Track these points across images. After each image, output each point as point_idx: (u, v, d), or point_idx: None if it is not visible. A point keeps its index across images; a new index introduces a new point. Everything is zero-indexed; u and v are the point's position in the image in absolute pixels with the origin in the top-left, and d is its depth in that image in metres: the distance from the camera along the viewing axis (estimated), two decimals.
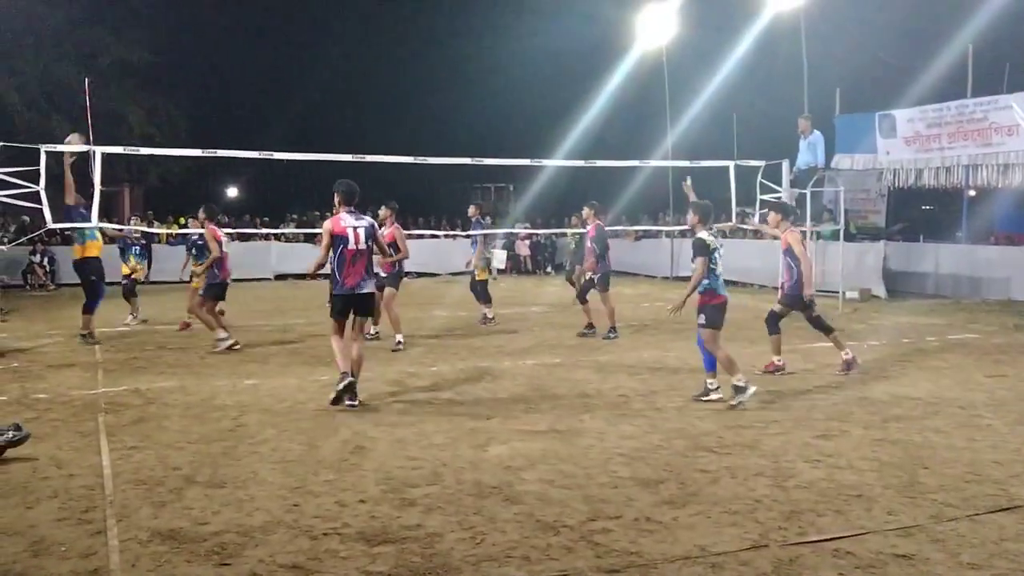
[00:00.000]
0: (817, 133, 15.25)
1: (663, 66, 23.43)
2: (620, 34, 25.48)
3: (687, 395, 8.27)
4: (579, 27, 30.42)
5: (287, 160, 13.68)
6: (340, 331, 8.12)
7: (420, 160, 14.07)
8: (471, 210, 14.96)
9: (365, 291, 8.09)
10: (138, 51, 28.50)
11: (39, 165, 11.12)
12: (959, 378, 9.06)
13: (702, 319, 7.99)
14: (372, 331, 11.86)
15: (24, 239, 21.10)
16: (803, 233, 9.76)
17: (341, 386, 7.86)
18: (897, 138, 17.71)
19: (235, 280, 14.75)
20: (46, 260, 22.64)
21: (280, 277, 24.75)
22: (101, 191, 12.00)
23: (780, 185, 15.09)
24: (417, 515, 5.05)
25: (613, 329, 12.33)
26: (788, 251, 9.60)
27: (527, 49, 30.95)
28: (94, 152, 11.72)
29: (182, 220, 25.06)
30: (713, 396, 8.01)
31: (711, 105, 24.32)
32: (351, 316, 8.12)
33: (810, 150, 15.17)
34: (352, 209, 8.13)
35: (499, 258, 25.98)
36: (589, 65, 29.32)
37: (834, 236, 16.26)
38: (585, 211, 13.14)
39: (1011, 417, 7.34)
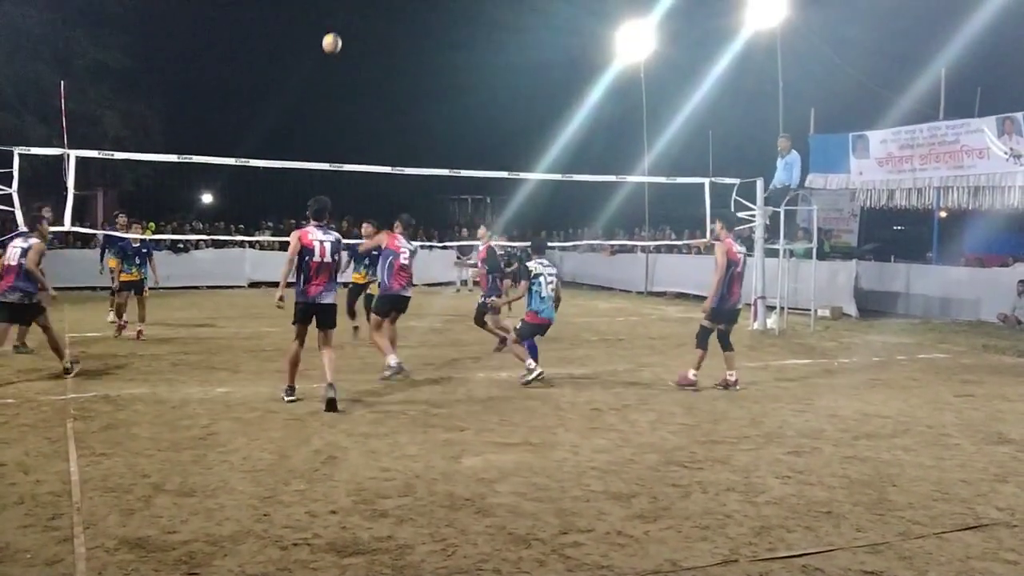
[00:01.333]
0: (795, 153, 15.41)
1: (641, 82, 23.59)
2: (599, 50, 25.63)
3: (660, 410, 8.31)
4: (558, 42, 30.57)
5: (263, 168, 13.60)
6: (300, 338, 8.48)
7: (397, 170, 14.06)
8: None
9: (326, 301, 8.45)
10: (114, 54, 28.28)
11: (12, 168, 11.01)
12: (928, 397, 9.16)
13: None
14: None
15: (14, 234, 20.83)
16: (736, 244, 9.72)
17: (287, 399, 8.43)
18: (870, 159, 17.94)
19: (209, 287, 14.69)
20: None
21: (254, 285, 24.60)
22: (75, 195, 11.89)
23: (754, 203, 15.21)
24: (388, 526, 5.04)
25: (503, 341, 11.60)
26: (715, 261, 9.67)
27: (506, 64, 31.04)
28: (68, 155, 11.62)
29: (153, 226, 24.88)
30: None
31: (688, 122, 24.50)
32: (316, 327, 8.49)
33: (786, 169, 15.31)
34: (321, 224, 8.54)
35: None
36: (568, 81, 29.49)
37: (807, 255, 16.41)
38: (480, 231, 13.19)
39: (978, 437, 7.43)
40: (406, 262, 9.94)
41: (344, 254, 9.87)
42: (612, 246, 25.12)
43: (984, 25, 19.21)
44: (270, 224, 28.35)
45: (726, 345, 9.67)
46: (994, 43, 19.98)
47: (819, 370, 10.96)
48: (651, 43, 23.04)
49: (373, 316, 10.32)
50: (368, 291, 12.92)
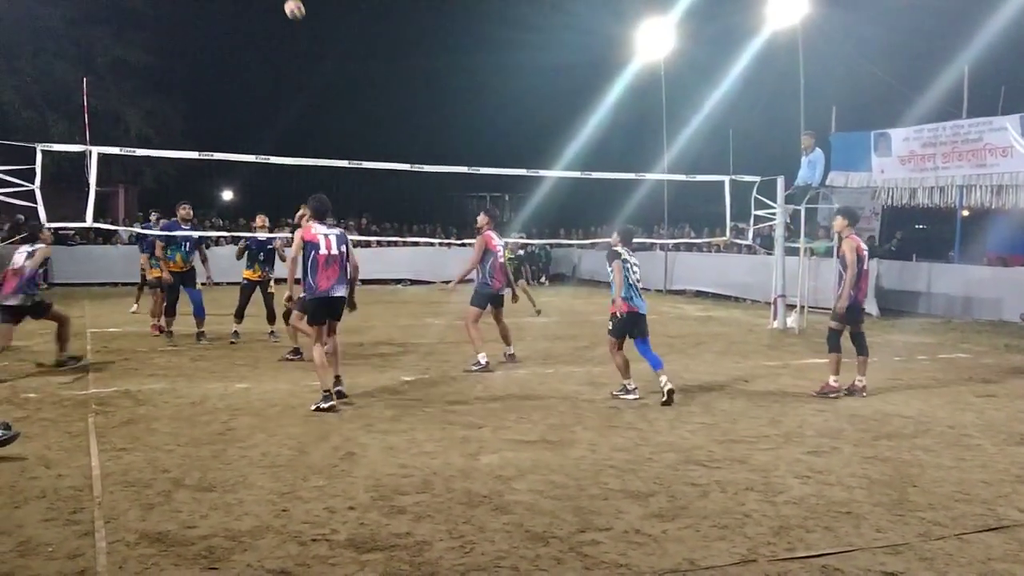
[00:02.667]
0: (819, 151, 15.30)
1: (661, 80, 23.52)
2: (619, 48, 25.55)
3: (679, 408, 8.28)
4: (578, 41, 30.47)
5: (283, 164, 13.65)
6: (321, 336, 8.32)
7: (416, 167, 14.07)
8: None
9: (338, 294, 8.35)
10: (136, 52, 28.48)
11: (35, 164, 11.11)
12: (949, 397, 9.08)
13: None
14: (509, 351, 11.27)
15: (18, 238, 21.05)
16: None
17: (325, 405, 7.98)
18: (892, 157, 17.83)
19: (229, 284, 14.77)
20: None
21: (275, 282, 24.66)
22: (96, 191, 11.98)
23: (775, 201, 15.13)
24: (406, 523, 5.05)
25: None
26: (842, 259, 9.13)
27: (526, 62, 30.98)
28: (90, 152, 11.71)
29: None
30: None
31: (708, 120, 24.39)
32: (327, 319, 8.38)
33: (809, 167, 15.21)
34: (323, 222, 8.47)
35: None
36: (588, 79, 29.37)
37: (828, 253, 16.29)
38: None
39: (1000, 437, 7.36)
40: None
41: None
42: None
43: (1008, 23, 18.99)
44: (289, 221, 28.45)
45: (860, 348, 9.28)
46: (1018, 41, 19.74)
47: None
48: (671, 41, 22.95)
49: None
50: (269, 289, 12.91)
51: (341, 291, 8.39)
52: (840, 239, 9.42)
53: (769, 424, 7.74)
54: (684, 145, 24.28)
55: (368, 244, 24.29)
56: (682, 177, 17.72)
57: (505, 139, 31.30)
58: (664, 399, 8.37)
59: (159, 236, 12.64)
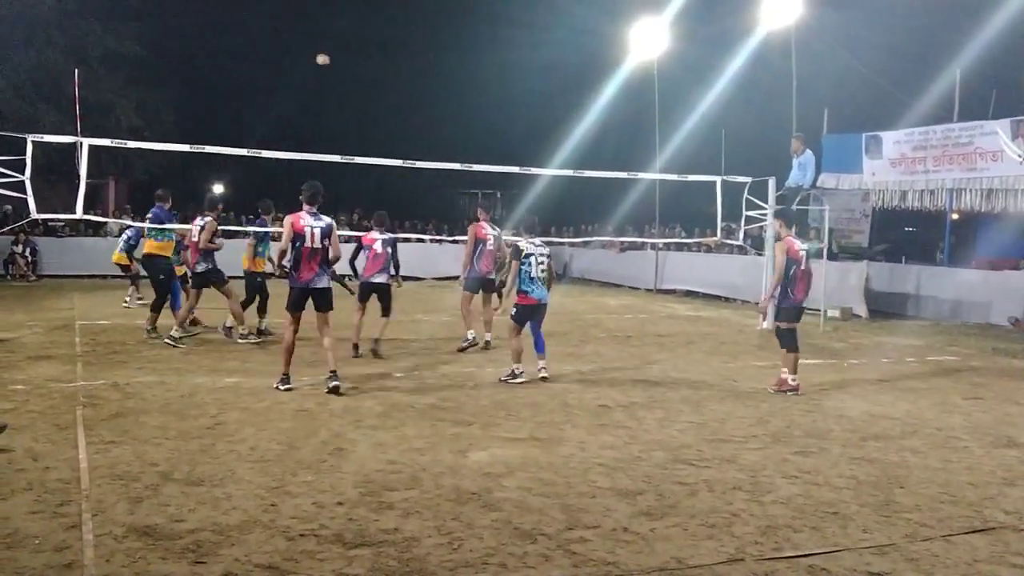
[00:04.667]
0: (809, 153, 15.34)
1: (654, 80, 23.53)
2: (612, 47, 25.55)
3: (668, 407, 8.30)
4: (571, 40, 30.47)
5: (274, 159, 13.62)
6: (295, 324, 8.72)
7: (408, 163, 14.06)
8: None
9: (320, 285, 8.70)
10: (128, 44, 28.32)
11: (25, 155, 11.05)
12: (937, 399, 9.13)
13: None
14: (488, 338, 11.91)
15: (6, 229, 20.97)
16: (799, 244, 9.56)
17: (283, 387, 8.60)
18: (883, 159, 17.89)
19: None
20: (28, 251, 22.48)
21: (266, 276, 24.58)
22: (87, 183, 11.92)
23: (766, 202, 15.17)
24: (395, 519, 5.05)
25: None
26: (774, 260, 9.72)
27: (519, 60, 30.95)
28: (81, 144, 11.65)
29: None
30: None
31: (701, 120, 24.41)
32: (315, 310, 8.74)
33: (800, 169, 15.26)
34: (314, 210, 8.74)
35: None
36: (581, 78, 29.36)
37: (818, 255, 16.36)
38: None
39: (987, 440, 7.40)
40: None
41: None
42: (621, 243, 25.08)
43: (1000, 27, 19.07)
44: (280, 215, 28.39)
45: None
46: (1009, 45, 19.81)
47: (828, 371, 10.93)
48: (665, 41, 22.96)
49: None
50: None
51: (323, 282, 8.72)
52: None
53: (757, 424, 7.77)
54: (677, 145, 24.29)
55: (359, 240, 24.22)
56: (674, 177, 17.75)
57: (499, 136, 31.29)
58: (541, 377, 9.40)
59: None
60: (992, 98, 17.47)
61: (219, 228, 12.12)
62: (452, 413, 7.86)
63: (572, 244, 26.27)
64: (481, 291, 11.92)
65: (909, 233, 25.70)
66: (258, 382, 9.03)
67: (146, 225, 12.43)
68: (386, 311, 11.19)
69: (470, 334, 11.53)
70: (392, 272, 11.28)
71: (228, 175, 34.66)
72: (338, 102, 35.88)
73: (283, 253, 8.67)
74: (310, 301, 8.77)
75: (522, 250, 9.52)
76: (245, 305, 12.35)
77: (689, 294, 21.77)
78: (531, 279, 9.47)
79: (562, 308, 18.09)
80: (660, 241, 22.85)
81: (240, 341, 11.78)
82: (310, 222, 8.64)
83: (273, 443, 6.63)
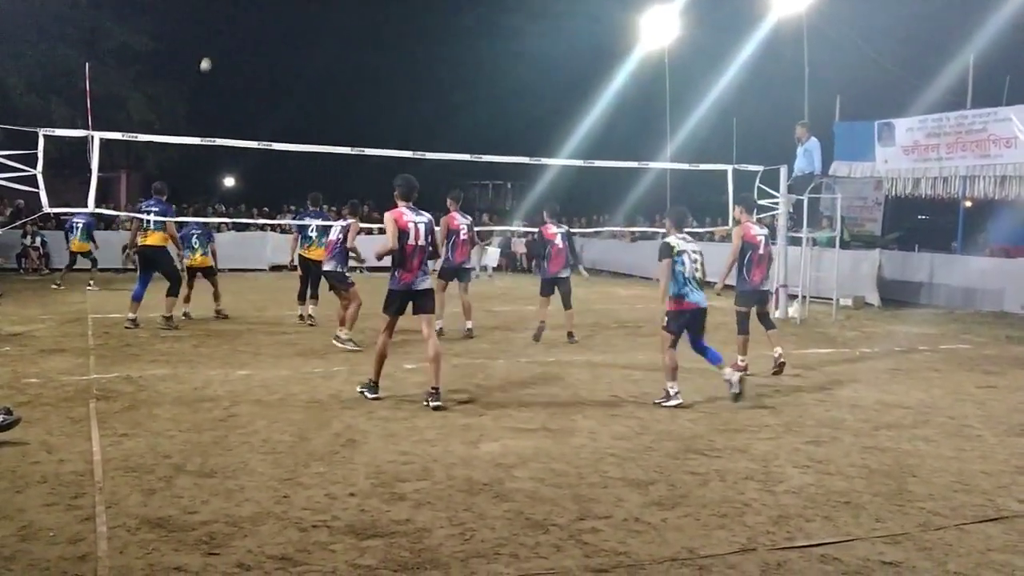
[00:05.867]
0: (814, 140, 15.26)
1: (665, 68, 23.44)
2: (623, 35, 25.46)
3: (680, 397, 8.26)
4: (582, 28, 30.39)
5: (286, 151, 13.61)
6: (391, 329, 7.92)
7: (418, 155, 14.03)
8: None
9: (423, 287, 7.85)
10: (140, 37, 28.42)
11: (37, 149, 11.08)
12: (950, 388, 9.08)
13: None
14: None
15: (18, 223, 21.08)
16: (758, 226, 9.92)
17: (370, 395, 7.92)
18: (896, 147, 17.78)
19: (231, 270, 14.80)
20: (40, 244, 22.59)
21: (275, 268, 24.69)
22: (98, 177, 11.94)
23: (778, 191, 15.10)
24: (407, 510, 5.06)
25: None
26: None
27: (530, 50, 30.93)
28: (92, 137, 11.68)
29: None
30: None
31: (712, 108, 24.32)
32: (414, 313, 7.89)
33: (806, 156, 15.18)
34: (411, 205, 7.94)
35: (492, 256, 26.00)
36: (592, 66, 29.27)
37: (830, 243, 16.29)
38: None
39: (1000, 428, 7.36)
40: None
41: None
42: (632, 233, 25.01)
43: (1014, 13, 18.93)
44: (292, 208, 28.45)
45: (767, 325, 9.77)
46: (1023, 31, 19.68)
47: (840, 359, 10.90)
48: (675, 28, 22.87)
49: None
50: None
51: (425, 283, 7.86)
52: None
53: (769, 414, 7.75)
54: (688, 133, 24.21)
55: (370, 232, 24.25)
56: (685, 166, 17.67)
57: (508, 126, 31.24)
58: (735, 392, 7.97)
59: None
60: (1006, 84, 17.35)
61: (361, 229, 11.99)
62: (463, 404, 7.87)
63: (583, 234, 26.20)
64: (457, 280, 12.13)
65: (922, 221, 25.56)
66: (270, 374, 9.06)
67: (152, 217, 12.46)
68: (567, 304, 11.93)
69: (438, 323, 11.09)
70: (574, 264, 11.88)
71: (240, 168, 34.77)
72: (349, 94, 35.88)
73: (388, 252, 7.83)
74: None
75: (672, 247, 8.14)
76: (301, 294, 13.28)
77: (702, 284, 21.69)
78: (685, 280, 8.13)
79: (573, 298, 18.06)
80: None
81: (338, 344, 11.07)
82: (412, 217, 7.83)
83: (285, 435, 6.65)
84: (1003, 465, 6.25)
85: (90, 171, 11.69)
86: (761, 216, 15.62)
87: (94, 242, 19.16)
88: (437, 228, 8.45)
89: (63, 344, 10.84)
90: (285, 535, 4.64)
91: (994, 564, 4.47)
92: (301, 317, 13.33)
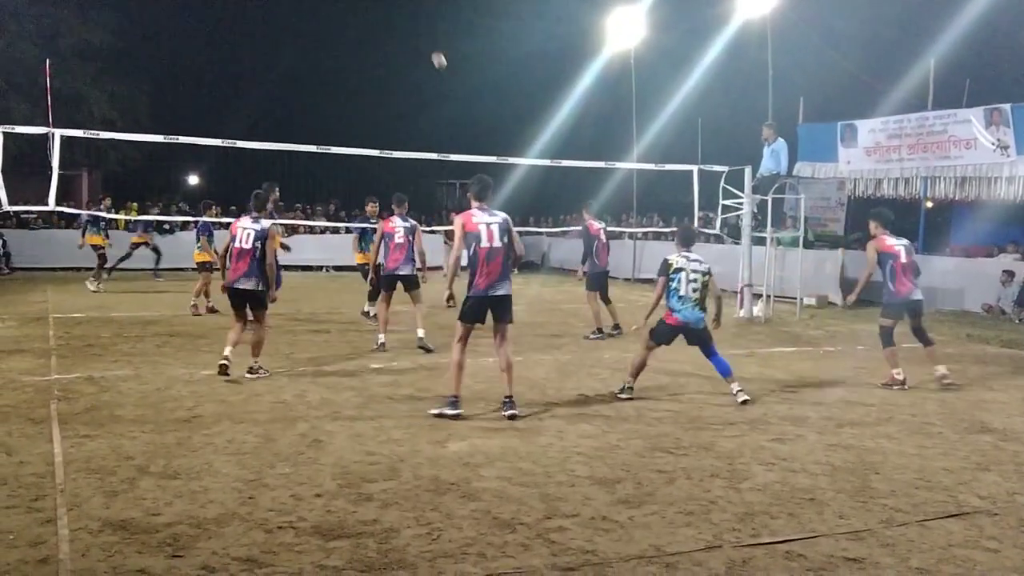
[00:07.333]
0: (780, 140, 15.40)
1: (631, 70, 23.52)
2: (589, 37, 25.51)
3: (645, 396, 8.32)
4: (548, 29, 30.43)
5: (250, 149, 13.51)
6: (466, 338, 7.48)
7: (384, 154, 13.99)
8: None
9: (500, 293, 7.37)
10: (101, 33, 28.01)
11: None
12: (911, 386, 9.19)
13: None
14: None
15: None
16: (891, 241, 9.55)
17: (450, 412, 7.28)
18: (858, 148, 17.98)
19: (194, 269, 14.67)
20: (1, 244, 22.20)
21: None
22: (59, 175, 11.78)
23: (742, 191, 15.22)
24: (373, 510, 5.04)
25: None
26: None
27: (497, 50, 30.85)
28: (53, 135, 11.51)
29: (135, 206, 24.71)
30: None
31: (678, 110, 24.44)
32: (494, 321, 7.51)
33: (773, 157, 15.30)
34: (484, 206, 7.54)
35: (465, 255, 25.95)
36: (558, 67, 29.30)
37: (794, 243, 16.44)
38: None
39: (961, 426, 7.47)
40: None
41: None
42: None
43: (974, 16, 19.21)
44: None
45: (924, 341, 9.41)
46: (983, 34, 19.99)
47: (804, 358, 11.01)
48: (641, 30, 22.95)
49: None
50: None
51: (504, 289, 7.40)
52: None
53: (734, 411, 7.81)
54: (654, 134, 24.31)
55: (336, 231, 24.15)
56: (651, 166, 17.76)
57: (476, 126, 31.19)
58: (742, 400, 8.04)
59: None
60: (966, 87, 17.60)
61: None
62: (431, 404, 7.82)
63: (550, 234, 26.25)
64: (405, 289, 10.95)
65: None
66: (234, 374, 8.96)
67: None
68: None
69: (380, 337, 10.74)
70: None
71: (204, 166, 34.38)
72: (314, 92, 35.63)
73: (457, 260, 7.53)
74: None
75: (670, 264, 8.29)
76: (371, 296, 12.71)
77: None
78: (679, 297, 8.16)
79: (540, 298, 18.11)
80: (639, 230, 22.87)
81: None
82: (485, 219, 7.37)
83: (250, 435, 6.60)
84: (964, 462, 6.35)
85: (51, 169, 11.52)
86: (726, 216, 15.82)
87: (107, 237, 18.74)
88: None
89: (24, 344, 10.67)
90: (250, 536, 4.60)
91: (955, 559, 4.54)
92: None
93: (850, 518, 5.10)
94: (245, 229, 8.76)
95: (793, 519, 5.06)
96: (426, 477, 5.67)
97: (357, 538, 4.61)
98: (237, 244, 8.73)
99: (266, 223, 8.91)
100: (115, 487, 5.32)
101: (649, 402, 8.10)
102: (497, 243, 7.35)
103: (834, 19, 23.11)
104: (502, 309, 7.43)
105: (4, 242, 22.29)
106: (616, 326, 12.57)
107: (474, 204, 7.56)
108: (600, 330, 12.41)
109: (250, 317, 8.93)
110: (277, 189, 13.10)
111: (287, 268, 13.49)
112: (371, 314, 12.85)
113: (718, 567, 4.35)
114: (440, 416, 7.26)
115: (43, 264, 21.94)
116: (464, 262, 7.55)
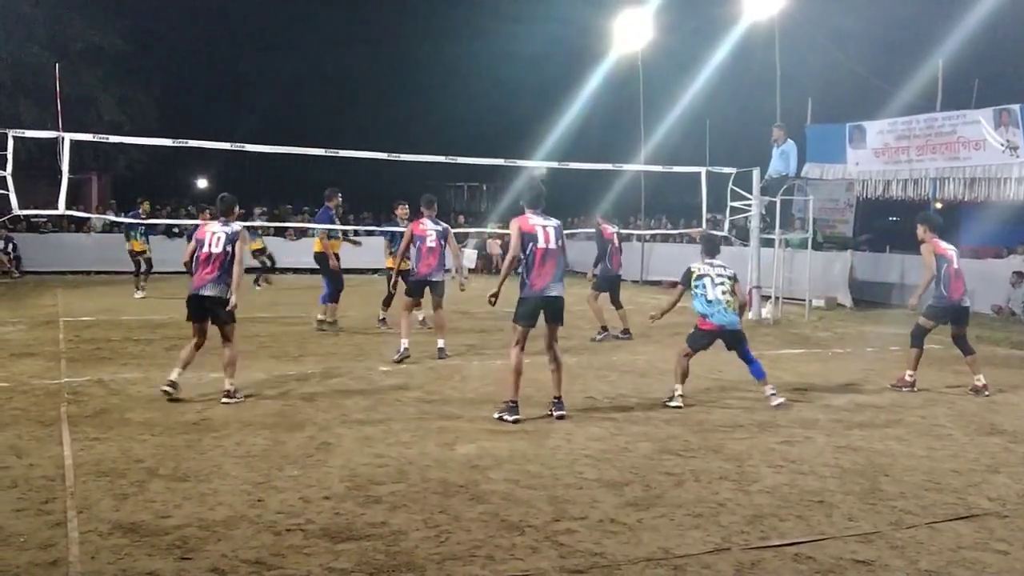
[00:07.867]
0: (790, 142, 15.37)
1: (639, 71, 23.52)
2: (597, 39, 25.53)
3: (654, 398, 8.31)
4: (556, 31, 30.44)
5: (258, 153, 13.55)
6: (523, 340, 7.55)
7: (392, 156, 14.00)
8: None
9: (554, 294, 7.48)
10: (110, 38, 28.11)
11: (6, 150, 10.95)
12: (921, 388, 9.17)
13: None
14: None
15: None
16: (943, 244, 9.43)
17: (509, 418, 7.30)
18: (867, 149, 17.91)
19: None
20: (10, 247, 22.29)
21: (248, 270, 24.44)
22: (69, 179, 11.83)
23: (751, 192, 15.20)
24: (382, 512, 5.04)
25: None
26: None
27: (504, 53, 30.93)
28: (63, 139, 11.56)
29: (148, 205, 24.74)
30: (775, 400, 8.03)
31: (686, 111, 24.43)
32: (545, 322, 7.56)
33: (782, 158, 15.28)
34: (539, 211, 7.65)
35: (469, 257, 25.96)
36: (566, 70, 29.33)
37: (802, 245, 16.41)
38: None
39: (970, 427, 7.45)
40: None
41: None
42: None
43: (982, 17, 19.15)
44: (264, 210, 28.26)
45: (966, 349, 9.20)
46: (992, 35, 19.93)
47: (813, 360, 10.99)
48: (649, 32, 22.95)
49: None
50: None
51: (557, 290, 7.50)
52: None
53: (743, 413, 7.79)
54: (662, 136, 24.31)
55: (345, 233, 24.15)
56: (659, 168, 17.74)
57: (483, 128, 31.21)
58: (776, 403, 7.98)
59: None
60: (975, 87, 17.53)
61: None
62: (439, 406, 7.86)
63: None
64: (431, 294, 10.72)
65: (893, 223, 25.80)
66: (243, 377, 8.96)
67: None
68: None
69: (403, 344, 10.25)
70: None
71: (213, 169, 34.46)
72: (322, 96, 35.70)
73: (513, 261, 7.58)
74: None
75: (692, 273, 8.47)
76: (386, 302, 13.00)
77: (675, 285, 21.78)
78: (708, 302, 8.23)
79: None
80: (647, 232, 22.85)
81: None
82: (540, 221, 7.51)
83: (259, 438, 6.61)
84: (973, 464, 6.33)
85: (60, 172, 11.57)
86: (734, 218, 15.80)
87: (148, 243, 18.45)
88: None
89: (34, 348, 10.71)
90: (259, 539, 4.61)
91: (965, 561, 4.53)
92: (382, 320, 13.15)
93: (859, 520, 5.09)
94: (215, 233, 8.25)
95: (802, 521, 5.05)
96: (434, 479, 5.67)
97: (365, 540, 4.62)
98: (206, 249, 8.14)
99: (236, 226, 8.55)
100: (125, 490, 5.34)
101: (657, 405, 8.09)
102: (553, 245, 7.49)
103: (842, 20, 23.06)
104: (555, 310, 7.52)
105: (14, 246, 22.40)
106: (626, 331, 12.57)
107: (528, 212, 7.63)
108: (605, 328, 12.44)
109: (212, 333, 8.37)
110: (339, 194, 13.29)
111: (347, 271, 13.60)
112: (387, 321, 12.96)
113: (727, 569, 4.35)
114: (500, 420, 7.30)
115: (53, 268, 22.02)
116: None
